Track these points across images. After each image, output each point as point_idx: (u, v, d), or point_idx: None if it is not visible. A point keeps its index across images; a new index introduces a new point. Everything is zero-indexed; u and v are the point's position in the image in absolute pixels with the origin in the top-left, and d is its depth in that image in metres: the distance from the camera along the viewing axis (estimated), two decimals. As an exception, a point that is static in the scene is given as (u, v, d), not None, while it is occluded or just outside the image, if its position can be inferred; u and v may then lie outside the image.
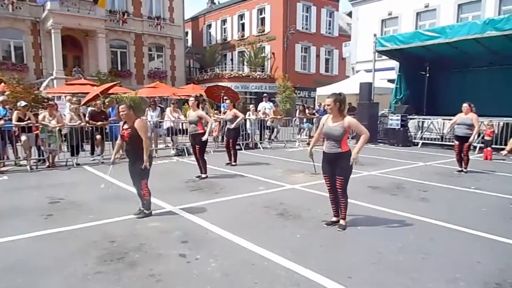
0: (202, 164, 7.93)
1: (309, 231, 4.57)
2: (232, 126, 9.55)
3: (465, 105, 8.52)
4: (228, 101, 10.34)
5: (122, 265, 3.58)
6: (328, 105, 4.58)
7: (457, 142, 8.57)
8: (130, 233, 4.45)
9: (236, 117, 9.56)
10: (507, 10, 16.45)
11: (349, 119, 4.52)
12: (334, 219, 4.80)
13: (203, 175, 7.84)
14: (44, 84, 22.70)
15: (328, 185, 4.73)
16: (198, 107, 7.80)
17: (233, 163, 9.48)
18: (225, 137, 10.49)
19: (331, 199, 4.79)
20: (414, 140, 14.09)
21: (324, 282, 3.24)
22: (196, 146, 7.87)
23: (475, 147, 11.91)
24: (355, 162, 4.41)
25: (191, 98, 8.27)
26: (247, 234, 4.38)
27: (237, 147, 12.65)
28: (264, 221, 4.97)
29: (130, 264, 3.61)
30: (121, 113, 5.04)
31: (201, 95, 14.63)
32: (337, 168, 4.55)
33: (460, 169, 8.60)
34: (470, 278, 3.31)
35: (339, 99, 4.52)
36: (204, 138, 7.70)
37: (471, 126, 8.23)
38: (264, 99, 15.94)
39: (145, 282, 3.25)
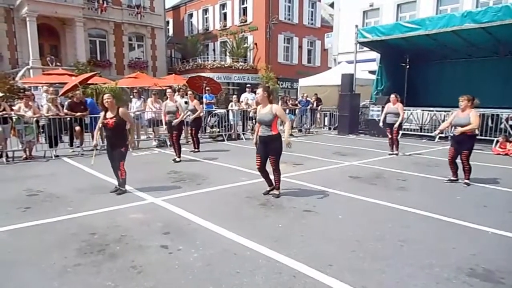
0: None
1: (290, 220, 4.62)
2: (192, 117, 10.07)
3: (392, 96, 9.65)
4: (190, 92, 10.97)
5: (102, 257, 3.55)
6: (257, 95, 5.47)
7: (387, 129, 9.63)
8: (111, 225, 4.41)
9: (196, 108, 10.18)
10: (484, 2, 16.80)
11: (276, 107, 5.38)
12: (269, 188, 5.74)
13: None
14: (20, 74, 22.02)
15: (258, 163, 5.56)
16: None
17: (196, 150, 10.13)
18: (189, 127, 11.04)
19: (262, 175, 5.71)
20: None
21: (305, 270, 3.29)
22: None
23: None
24: (288, 146, 5.34)
25: (169, 90, 9.08)
26: (229, 224, 4.40)
27: (220, 138, 12.81)
28: (246, 211, 5.00)
29: (110, 256, 3.58)
30: (105, 100, 5.56)
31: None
32: (270, 149, 5.43)
33: (391, 152, 9.65)
34: (444, 264, 3.43)
35: (267, 90, 5.49)
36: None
37: (397, 114, 9.34)
38: (247, 89, 15.89)
39: (126, 274, 3.24)
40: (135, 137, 11.24)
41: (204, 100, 13.28)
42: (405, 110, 14.11)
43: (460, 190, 6.17)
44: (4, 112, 8.65)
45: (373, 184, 6.61)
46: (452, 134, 6.95)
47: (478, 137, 11.34)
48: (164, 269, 3.33)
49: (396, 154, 9.57)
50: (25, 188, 6.11)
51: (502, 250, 3.78)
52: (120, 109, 5.60)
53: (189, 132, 10.90)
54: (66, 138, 10.27)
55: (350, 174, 7.38)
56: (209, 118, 13.06)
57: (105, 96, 5.68)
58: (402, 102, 9.92)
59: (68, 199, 5.50)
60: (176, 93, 12.73)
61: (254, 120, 14.63)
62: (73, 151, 9.85)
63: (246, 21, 30.91)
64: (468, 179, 6.52)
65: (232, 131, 13.39)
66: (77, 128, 9.80)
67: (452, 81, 14.56)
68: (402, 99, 14.88)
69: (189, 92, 10.92)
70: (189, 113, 9.85)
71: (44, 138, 9.66)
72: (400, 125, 9.71)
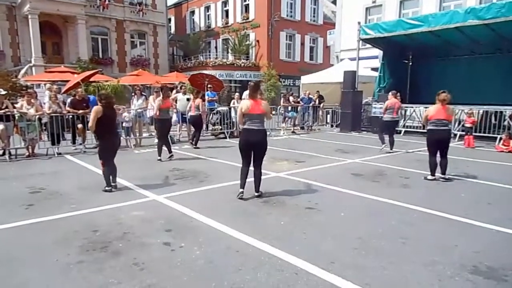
0: None
1: (292, 218, 4.62)
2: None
3: (390, 93, 10.05)
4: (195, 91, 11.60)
5: (105, 254, 3.56)
6: None
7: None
8: (113, 222, 4.42)
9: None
10: (488, -1, 16.69)
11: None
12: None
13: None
14: (22, 71, 22.07)
15: None
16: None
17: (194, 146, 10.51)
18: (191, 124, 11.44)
19: None
20: (397, 128, 14.27)
21: (307, 268, 3.29)
22: None
23: (455, 134, 12.17)
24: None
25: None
26: (232, 222, 4.40)
27: (222, 135, 12.82)
28: (248, 209, 5.00)
29: (113, 253, 3.59)
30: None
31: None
32: None
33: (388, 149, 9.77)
34: (447, 261, 3.41)
35: (251, 86, 5.47)
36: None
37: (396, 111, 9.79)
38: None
39: (129, 271, 3.24)
40: (137, 134, 11.23)
41: (206, 97, 13.27)
42: (408, 107, 14.29)
43: (463, 188, 6.14)
44: (6, 109, 8.67)
45: (376, 181, 6.59)
46: None
47: (481, 134, 11.46)
48: (167, 266, 3.33)
49: (381, 150, 9.72)
50: (28, 186, 6.13)
51: (506, 248, 3.77)
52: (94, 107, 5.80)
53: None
54: (68, 136, 10.28)
55: (352, 171, 7.37)
56: (211, 116, 13.05)
57: None
58: (403, 99, 10.05)
59: (70, 197, 5.51)
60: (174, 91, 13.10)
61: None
62: (75, 149, 9.86)
63: (248, 18, 30.83)
64: (444, 173, 6.60)
65: (234, 128, 13.37)
66: (79, 125, 9.81)
67: (455, 78, 14.47)
68: (405, 96, 14.91)
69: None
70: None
71: (46, 136, 9.68)
72: (394, 124, 10.15)
